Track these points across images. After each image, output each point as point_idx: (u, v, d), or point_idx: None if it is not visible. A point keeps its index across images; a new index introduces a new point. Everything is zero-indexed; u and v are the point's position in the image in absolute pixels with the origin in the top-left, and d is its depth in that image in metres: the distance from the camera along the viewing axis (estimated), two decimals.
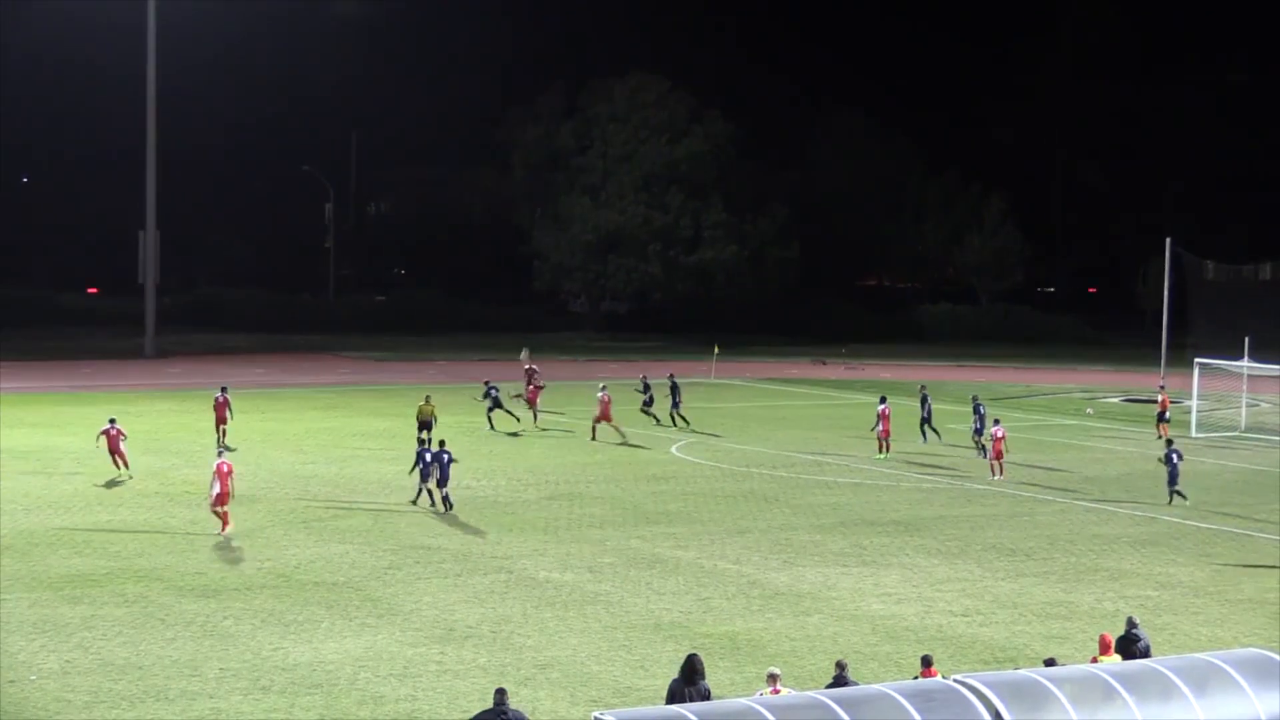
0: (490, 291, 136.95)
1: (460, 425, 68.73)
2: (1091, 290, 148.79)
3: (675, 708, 24.63)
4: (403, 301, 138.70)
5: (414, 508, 50.76)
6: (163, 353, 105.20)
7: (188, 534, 46.17)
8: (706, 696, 27.00)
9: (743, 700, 25.61)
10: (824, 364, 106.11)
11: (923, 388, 71.34)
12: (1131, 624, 31.27)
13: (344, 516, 49.66)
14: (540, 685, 32.50)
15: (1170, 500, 54.48)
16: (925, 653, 29.61)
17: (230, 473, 46.54)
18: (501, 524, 48.97)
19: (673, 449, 65.83)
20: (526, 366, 75.54)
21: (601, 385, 70.12)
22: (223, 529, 46.21)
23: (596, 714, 24.76)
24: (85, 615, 37.04)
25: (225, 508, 46.37)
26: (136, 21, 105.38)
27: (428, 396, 67.20)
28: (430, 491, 51.15)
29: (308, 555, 43.84)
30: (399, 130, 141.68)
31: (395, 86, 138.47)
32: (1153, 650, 30.71)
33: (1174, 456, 55.29)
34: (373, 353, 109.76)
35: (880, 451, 64.43)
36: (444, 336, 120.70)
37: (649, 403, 72.56)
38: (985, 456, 62.10)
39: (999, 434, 59.68)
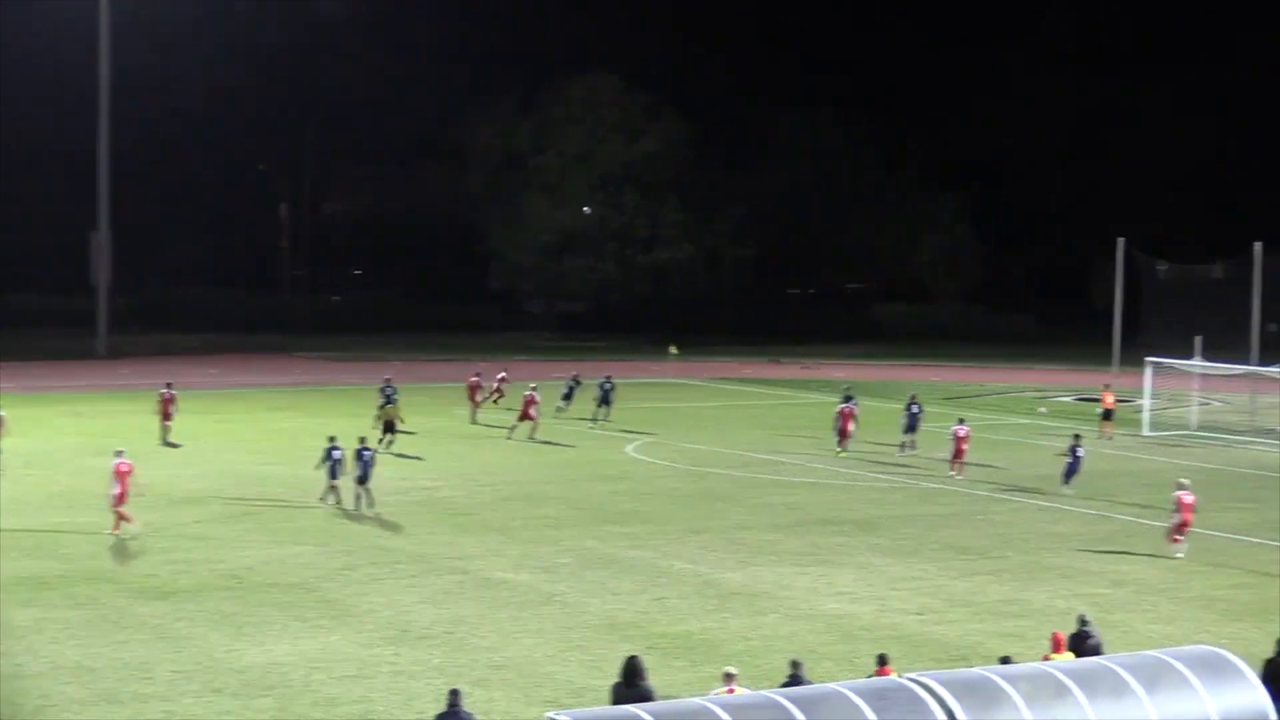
0: (446, 291, 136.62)
1: (419, 426, 68.65)
2: (1046, 289, 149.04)
3: (629, 707, 24.63)
4: (358, 301, 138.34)
5: (363, 510, 50.61)
6: (115, 353, 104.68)
7: (140, 536, 45.96)
8: (648, 698, 26.99)
9: (697, 700, 25.64)
10: (780, 364, 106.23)
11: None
12: (1083, 621, 31.41)
13: (299, 517, 49.54)
14: (495, 686, 32.49)
15: (1064, 486, 56.28)
16: (880, 652, 29.67)
17: (129, 472, 46.19)
18: (457, 525, 48.93)
19: (628, 449, 65.86)
20: (500, 375, 76.14)
21: (532, 385, 70.09)
22: (115, 528, 45.79)
23: (551, 714, 24.77)
24: (36, 618, 36.87)
25: (123, 507, 46.04)
26: (89, 20, 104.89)
27: (389, 397, 67.53)
28: (337, 489, 51.02)
29: (262, 556, 43.72)
30: (355, 130, 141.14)
31: (351, 86, 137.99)
32: (1105, 647, 30.85)
33: (1077, 450, 56.79)
34: (328, 353, 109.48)
35: (840, 448, 64.56)
36: (400, 336, 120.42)
37: (567, 396, 74.55)
38: (904, 453, 64.19)
39: (961, 433, 60.00)
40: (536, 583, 41.34)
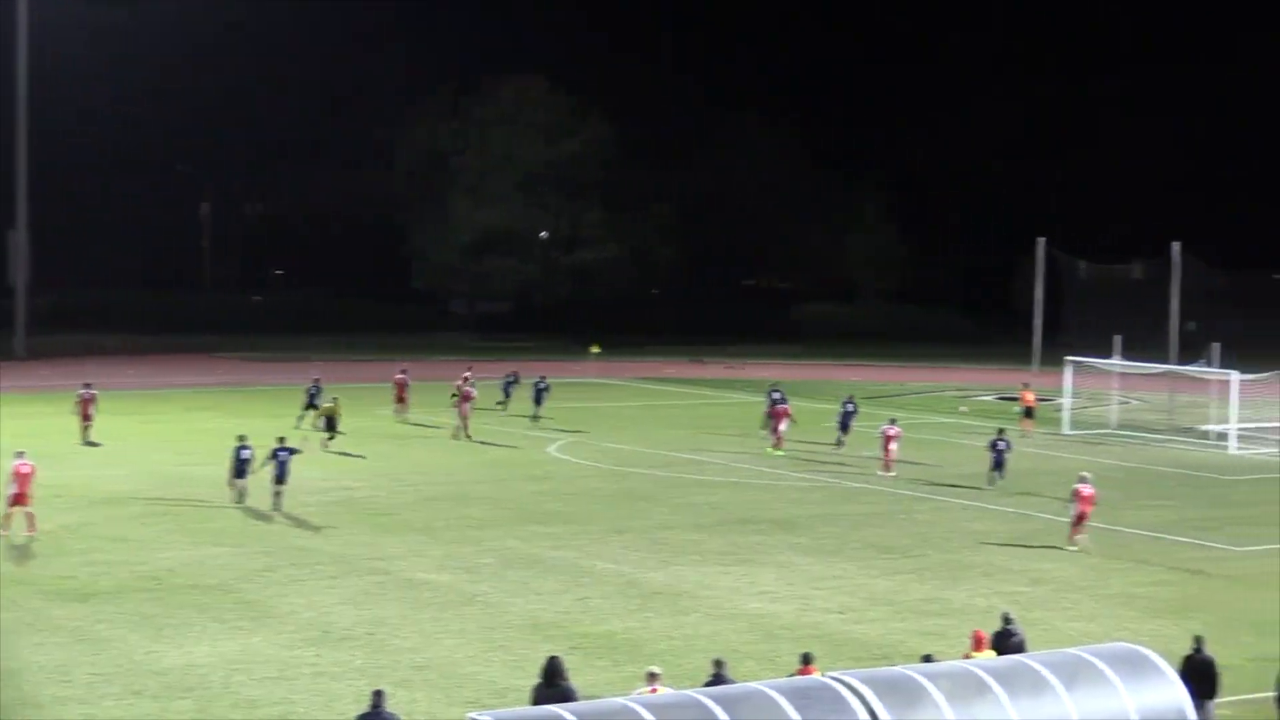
0: (370, 291, 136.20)
1: (354, 426, 68.41)
2: (968, 289, 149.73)
3: (551, 707, 24.61)
4: (281, 302, 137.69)
5: (276, 511, 50.42)
6: (35, 354, 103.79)
7: (58, 538, 45.61)
8: (569, 698, 26.98)
9: (620, 700, 25.64)
10: (703, 363, 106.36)
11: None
12: (1007, 619, 31.57)
13: (219, 518, 49.27)
14: (417, 687, 32.40)
15: (991, 484, 57.43)
16: (803, 651, 29.72)
17: (31, 474, 45.87)
18: (379, 525, 48.78)
19: (551, 449, 65.81)
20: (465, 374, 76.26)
21: (465, 374, 70.64)
22: (5, 527, 45.45)
23: (473, 715, 24.73)
24: None
25: (20, 509, 45.62)
26: (5, 18, 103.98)
27: (335, 398, 67.78)
28: (238, 486, 51.25)
29: (182, 558, 43.46)
30: (278, 129, 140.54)
31: (274, 85, 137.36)
32: (1027, 645, 31.00)
33: (999, 444, 58.22)
34: (251, 353, 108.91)
35: (774, 447, 64.83)
36: (323, 336, 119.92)
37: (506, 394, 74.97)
38: (839, 447, 65.46)
39: (891, 432, 60.42)
40: (459, 583, 41.24)
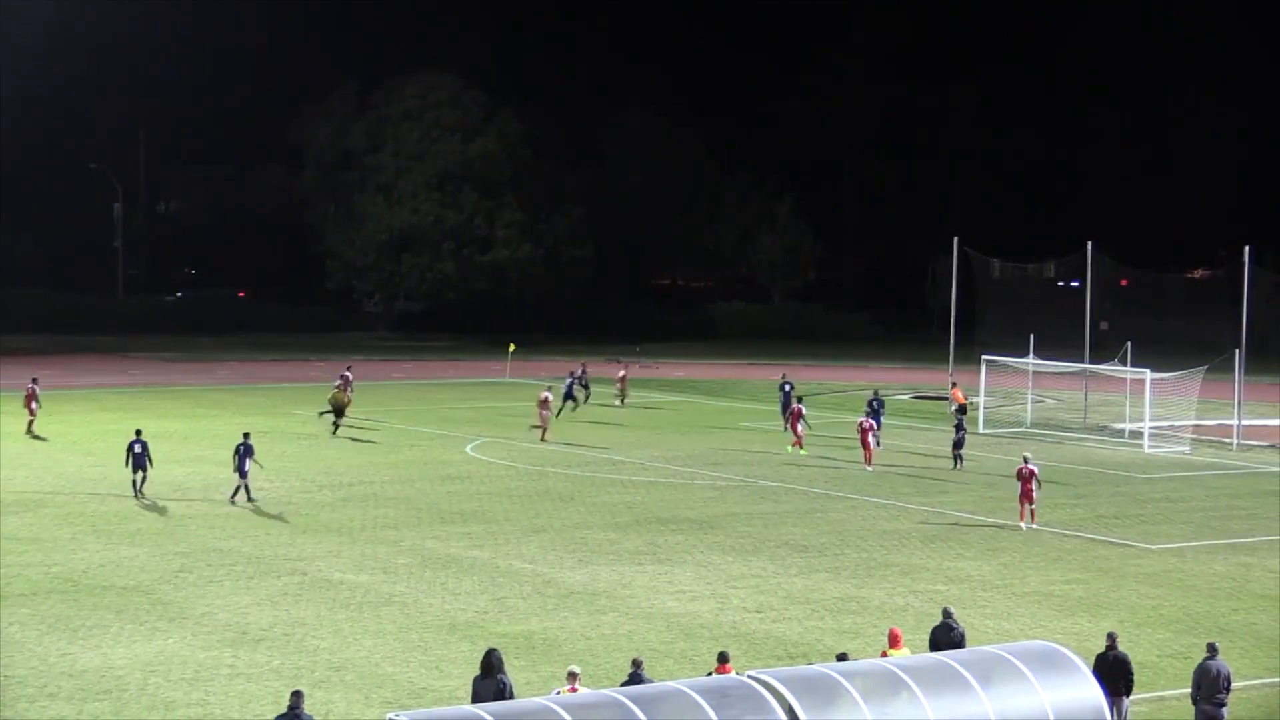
0: (282, 291, 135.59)
1: (254, 427, 68.02)
2: (882, 289, 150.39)
3: (469, 707, 24.61)
4: (193, 301, 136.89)
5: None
6: None
7: None
8: (502, 690, 27.01)
9: (538, 699, 25.63)
10: (618, 362, 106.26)
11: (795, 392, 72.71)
12: (947, 614, 31.70)
13: (134, 519, 48.96)
14: (335, 687, 32.27)
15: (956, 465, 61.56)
16: (720, 649, 29.76)
17: None
18: (296, 526, 48.57)
19: (467, 448, 65.68)
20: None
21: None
22: None
23: (391, 715, 24.67)
24: None
25: None
26: None
27: (339, 386, 71.10)
28: (136, 483, 52.66)
29: (96, 559, 43.15)
30: (189, 128, 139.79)
31: (185, 84, 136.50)
32: (965, 641, 31.12)
33: (959, 429, 63.33)
34: (163, 354, 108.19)
35: (794, 446, 65.31)
36: (235, 336, 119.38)
37: None
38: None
39: (866, 424, 63.24)
40: (375, 583, 41.12)
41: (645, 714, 24.08)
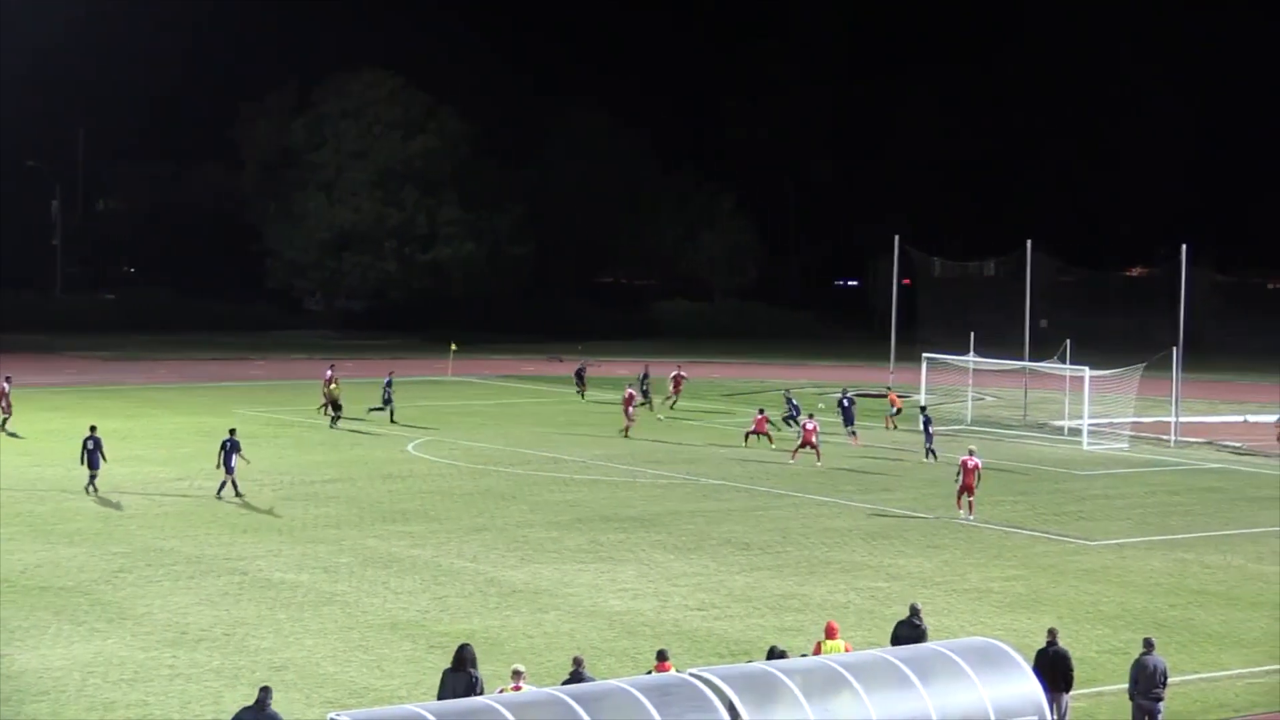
0: (223, 289, 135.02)
1: (195, 426, 67.89)
2: (823, 287, 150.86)
3: (411, 706, 24.58)
4: (132, 300, 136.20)
5: (133, 508, 49.99)
6: None
7: None
8: (473, 685, 27.18)
9: (482, 699, 25.60)
10: (560, 361, 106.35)
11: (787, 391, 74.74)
12: (914, 610, 31.79)
13: (72, 519, 48.69)
14: (275, 687, 31.89)
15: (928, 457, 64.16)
16: (661, 648, 29.78)
17: None
18: (236, 525, 48.38)
19: (408, 447, 65.56)
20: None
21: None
22: None
23: (332, 715, 24.60)
24: None
25: None
26: None
27: (336, 381, 72.19)
28: (91, 479, 53.20)
29: (34, 559, 42.88)
30: (128, 126, 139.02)
31: (124, 81, 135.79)
32: (898, 640, 31.25)
33: (926, 421, 65.88)
34: (101, 352, 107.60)
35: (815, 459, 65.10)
36: (175, 335, 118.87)
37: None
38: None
39: (810, 425, 63.42)
40: (317, 583, 41.00)
41: (587, 712, 24.07)
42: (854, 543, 47.60)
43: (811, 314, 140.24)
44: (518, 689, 26.96)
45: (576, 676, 27.52)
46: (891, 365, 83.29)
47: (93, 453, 53.24)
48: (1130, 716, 29.74)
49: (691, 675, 25.73)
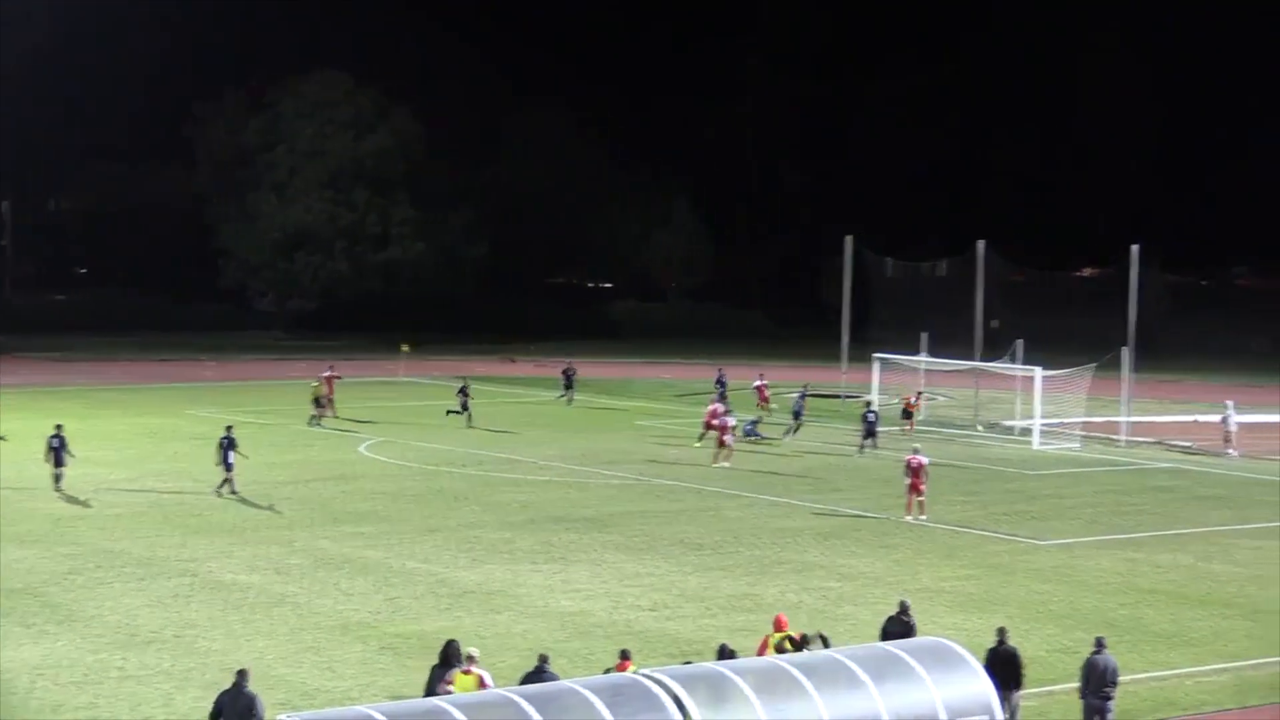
0: (176, 290, 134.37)
1: (146, 427, 67.67)
2: (776, 287, 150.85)
3: (362, 707, 24.55)
4: (85, 300, 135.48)
5: (86, 509, 49.84)
6: None
7: None
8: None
9: (433, 700, 25.61)
10: (514, 361, 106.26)
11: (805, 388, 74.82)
12: (903, 607, 31.96)
13: (22, 521, 48.46)
14: (226, 689, 32.02)
15: (861, 452, 65.55)
16: (618, 647, 29.84)
17: None
18: (187, 526, 48.23)
19: (361, 448, 65.43)
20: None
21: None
22: None
23: (283, 716, 24.61)
24: None
25: None
26: None
27: (319, 380, 72.91)
28: (57, 478, 53.35)
29: None
30: (81, 125, 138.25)
31: (77, 80, 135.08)
32: (888, 636, 31.38)
33: (869, 415, 66.86)
34: (53, 353, 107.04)
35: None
36: (128, 336, 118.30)
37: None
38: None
39: (729, 423, 63.71)
40: (268, 584, 40.91)
41: (539, 713, 24.10)
42: (806, 543, 47.70)
43: (765, 314, 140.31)
44: (468, 673, 27.24)
45: (539, 670, 27.70)
46: (844, 366, 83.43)
47: (58, 451, 53.24)
48: (1081, 715, 29.90)
49: (643, 676, 25.78)
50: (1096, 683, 29.61)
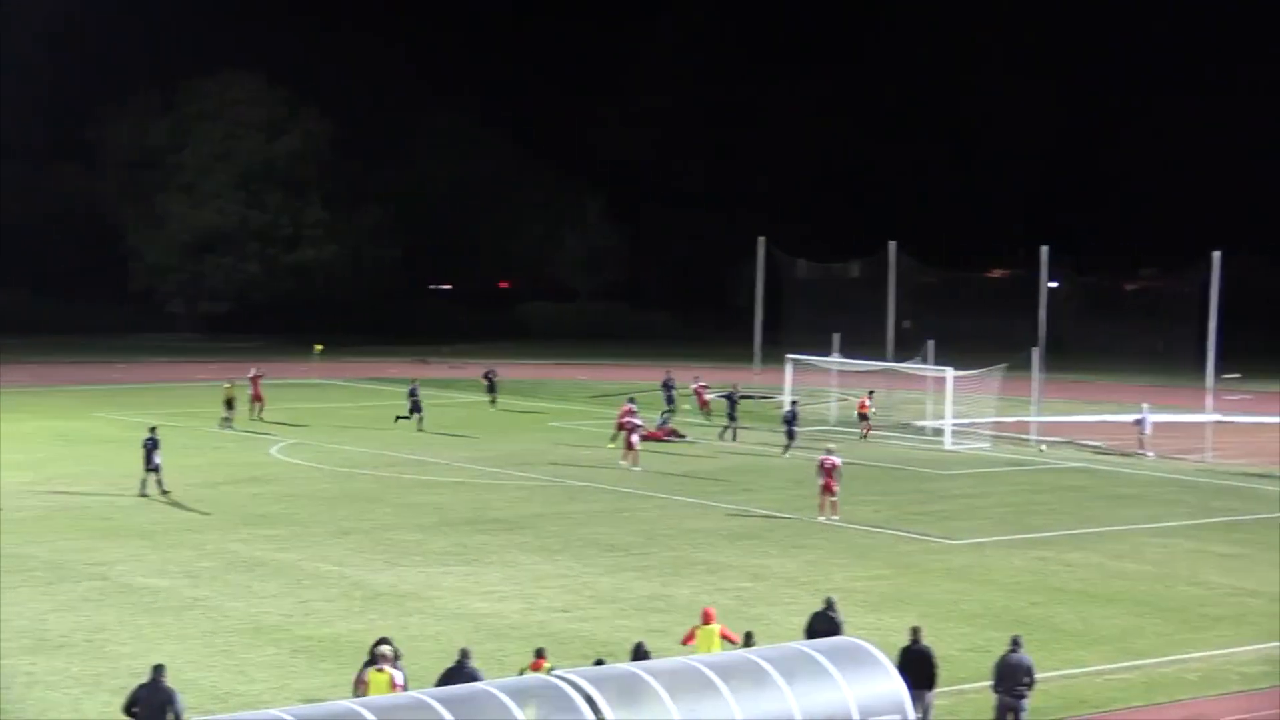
0: (83, 293, 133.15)
1: (53, 430, 67.14)
2: (687, 288, 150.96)
3: (274, 710, 24.44)
4: None
5: None
6: None
7: None
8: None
9: (344, 702, 25.53)
10: (426, 363, 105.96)
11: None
12: (829, 604, 32.03)
13: None
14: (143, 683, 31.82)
15: (785, 451, 65.17)
16: (532, 647, 29.85)
17: None
18: (96, 530, 47.84)
19: (272, 450, 65.09)
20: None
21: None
22: None
23: None
24: None
25: None
26: None
27: (232, 381, 71.98)
28: None
29: None
30: None
31: None
32: (842, 630, 31.45)
33: (791, 415, 67.21)
34: None
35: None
36: (29, 339, 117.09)
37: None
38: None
39: (636, 422, 63.23)
40: (179, 587, 40.64)
41: (452, 714, 24.04)
42: (719, 543, 47.78)
43: (675, 315, 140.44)
44: (380, 670, 27.78)
45: (460, 666, 28.03)
46: (756, 366, 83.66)
47: None
48: (994, 714, 30.06)
49: (556, 677, 25.77)
50: (1010, 681, 29.78)
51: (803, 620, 37.57)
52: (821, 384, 79.08)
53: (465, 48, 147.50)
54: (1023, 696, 29.80)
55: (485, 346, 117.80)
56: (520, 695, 24.83)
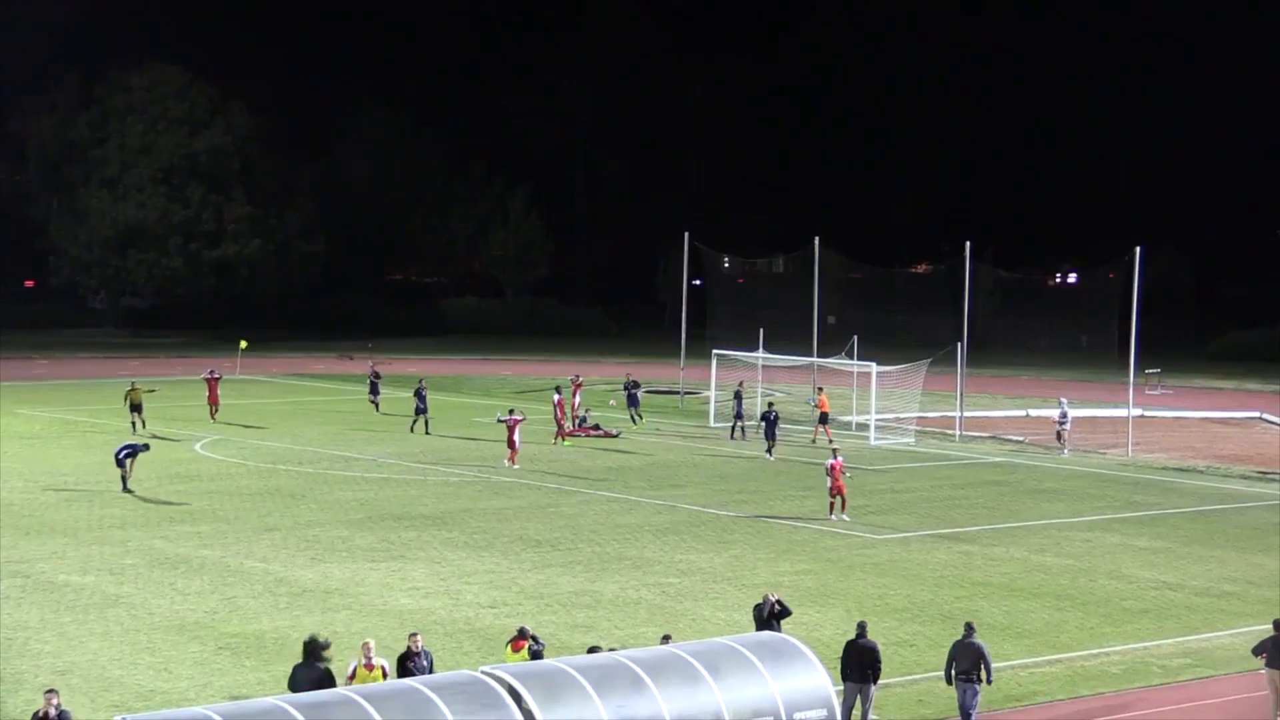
0: (3, 288, 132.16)
1: None
2: (613, 283, 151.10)
3: (198, 708, 24.35)
4: None
5: None
6: None
7: None
8: (322, 679, 27.33)
9: (270, 699, 25.43)
10: (350, 359, 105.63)
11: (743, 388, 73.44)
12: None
13: None
14: (60, 692, 31.56)
15: (769, 452, 64.63)
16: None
17: None
18: (18, 527, 47.51)
19: (196, 446, 64.77)
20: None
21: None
22: None
23: (118, 718, 24.33)
24: None
25: None
26: None
27: (134, 383, 70.29)
28: None
29: None
30: None
31: None
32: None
33: (770, 415, 65.64)
34: None
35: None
36: None
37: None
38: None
39: (516, 420, 61.87)
40: (102, 585, 40.40)
41: (378, 711, 24.00)
42: (644, 539, 47.83)
43: (602, 310, 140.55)
44: (370, 668, 28.20)
45: (408, 655, 28.69)
46: (682, 362, 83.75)
47: None
48: (937, 699, 30.29)
49: (483, 673, 25.76)
50: (967, 665, 30.20)
51: (730, 616, 37.79)
52: (747, 379, 79.12)
53: (391, 43, 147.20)
54: (978, 680, 30.20)
55: (410, 342, 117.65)
56: (447, 692, 24.81)
